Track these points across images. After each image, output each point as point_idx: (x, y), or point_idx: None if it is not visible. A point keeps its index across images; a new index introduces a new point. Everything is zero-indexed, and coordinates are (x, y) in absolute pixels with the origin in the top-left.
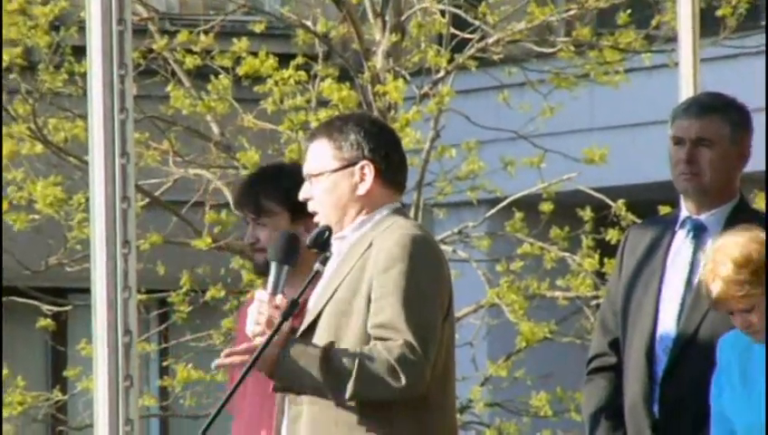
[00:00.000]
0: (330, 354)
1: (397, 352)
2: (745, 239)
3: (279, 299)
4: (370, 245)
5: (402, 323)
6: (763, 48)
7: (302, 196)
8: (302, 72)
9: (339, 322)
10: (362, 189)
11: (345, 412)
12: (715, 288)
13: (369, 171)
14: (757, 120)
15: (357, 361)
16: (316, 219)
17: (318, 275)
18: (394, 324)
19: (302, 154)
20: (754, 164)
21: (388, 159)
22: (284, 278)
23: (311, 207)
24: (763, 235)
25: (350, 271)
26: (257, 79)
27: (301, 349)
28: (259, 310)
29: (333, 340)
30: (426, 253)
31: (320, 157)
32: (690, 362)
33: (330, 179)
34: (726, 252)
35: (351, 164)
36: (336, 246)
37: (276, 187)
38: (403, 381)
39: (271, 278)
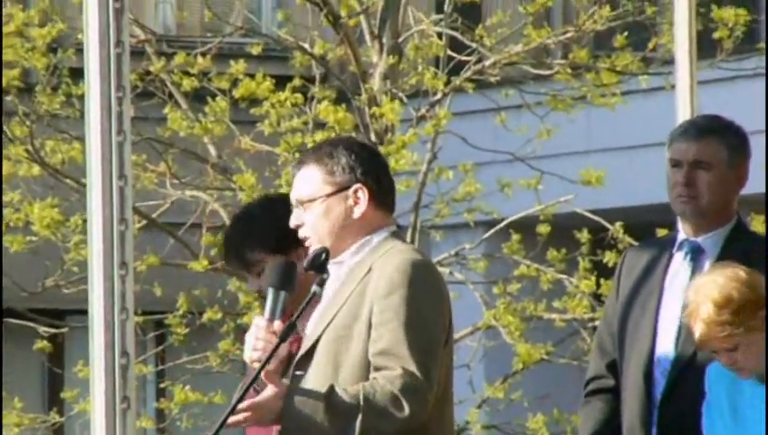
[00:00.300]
0: (333, 397)
1: (399, 383)
2: (725, 279)
3: (277, 325)
4: (370, 270)
5: (404, 349)
6: (759, 71)
7: (292, 223)
8: (298, 95)
9: (338, 347)
10: (357, 213)
11: None
12: (698, 330)
13: (363, 194)
14: (754, 143)
15: (361, 398)
16: (308, 244)
17: (315, 296)
18: (395, 351)
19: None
20: (751, 187)
21: (379, 181)
22: (282, 304)
23: (302, 233)
24: (743, 273)
25: (349, 296)
26: (254, 101)
27: (303, 397)
28: (256, 336)
29: (333, 365)
30: (426, 278)
31: (311, 183)
32: (689, 384)
33: (324, 205)
34: (706, 293)
35: (345, 188)
36: (334, 271)
37: (253, 237)
38: (407, 410)
39: (268, 304)
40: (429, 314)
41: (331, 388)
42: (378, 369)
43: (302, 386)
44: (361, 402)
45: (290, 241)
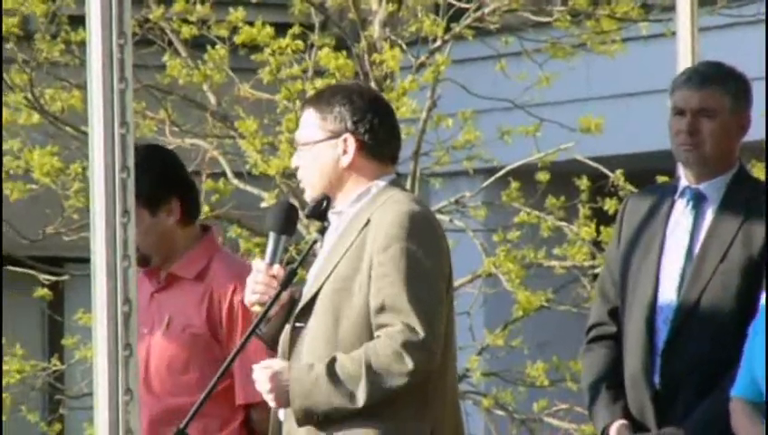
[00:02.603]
0: (334, 367)
1: (400, 338)
2: None
3: (276, 269)
4: (368, 221)
5: (404, 302)
6: (760, 17)
7: (293, 163)
8: (299, 42)
9: (339, 299)
10: (345, 162)
11: None
12: None
13: (351, 144)
14: (756, 90)
15: (363, 362)
16: (302, 187)
17: (315, 244)
18: (394, 305)
19: (298, 123)
20: (753, 133)
21: (372, 132)
22: (282, 248)
23: (299, 175)
24: None
25: (348, 248)
26: (254, 48)
27: (304, 371)
28: (255, 280)
29: (333, 317)
30: (424, 229)
31: (307, 126)
32: (691, 333)
33: (314, 150)
34: None
35: (335, 136)
36: (334, 220)
37: None
38: (410, 365)
39: (269, 248)
40: (428, 265)
41: (333, 358)
42: (380, 327)
43: (303, 338)
44: (363, 366)
45: (163, 194)
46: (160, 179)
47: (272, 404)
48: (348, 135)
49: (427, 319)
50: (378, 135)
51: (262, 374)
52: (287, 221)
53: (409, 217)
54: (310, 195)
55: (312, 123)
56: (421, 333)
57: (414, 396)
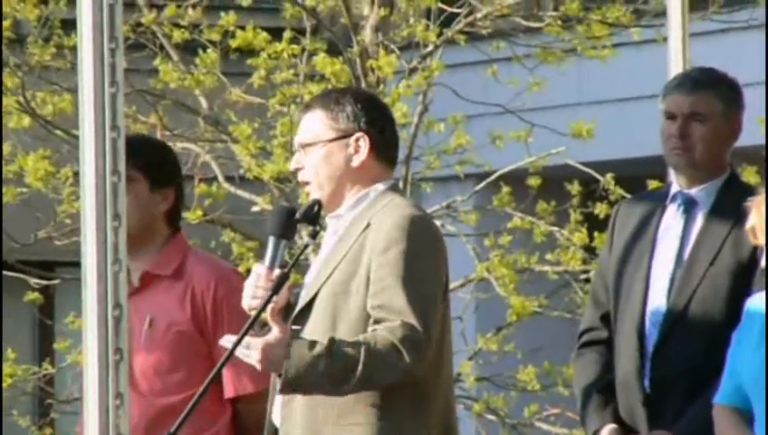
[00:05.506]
0: (334, 347)
1: (399, 333)
2: None
3: (276, 273)
4: (368, 225)
5: (402, 303)
6: (752, 23)
7: (292, 165)
8: (294, 46)
9: (336, 303)
10: (357, 161)
11: None
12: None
13: (365, 143)
14: (747, 95)
15: (362, 348)
16: (308, 189)
17: (307, 248)
18: (394, 305)
19: (292, 127)
20: (743, 138)
21: (383, 133)
22: (282, 252)
23: (301, 177)
24: None
25: (347, 252)
26: (246, 52)
27: (304, 347)
28: (256, 284)
29: (331, 320)
30: (424, 233)
31: (315, 127)
32: (680, 336)
33: (324, 149)
34: None
35: (347, 135)
36: (332, 224)
37: (136, 151)
38: (407, 359)
39: (269, 252)
40: (427, 269)
41: (333, 338)
42: (378, 321)
43: None
44: (362, 352)
45: (169, 175)
46: (173, 163)
47: (257, 366)
48: (361, 134)
49: (424, 321)
50: (386, 137)
51: (255, 342)
52: (287, 225)
53: (410, 221)
54: (316, 196)
55: (320, 123)
56: (419, 333)
57: (412, 395)
